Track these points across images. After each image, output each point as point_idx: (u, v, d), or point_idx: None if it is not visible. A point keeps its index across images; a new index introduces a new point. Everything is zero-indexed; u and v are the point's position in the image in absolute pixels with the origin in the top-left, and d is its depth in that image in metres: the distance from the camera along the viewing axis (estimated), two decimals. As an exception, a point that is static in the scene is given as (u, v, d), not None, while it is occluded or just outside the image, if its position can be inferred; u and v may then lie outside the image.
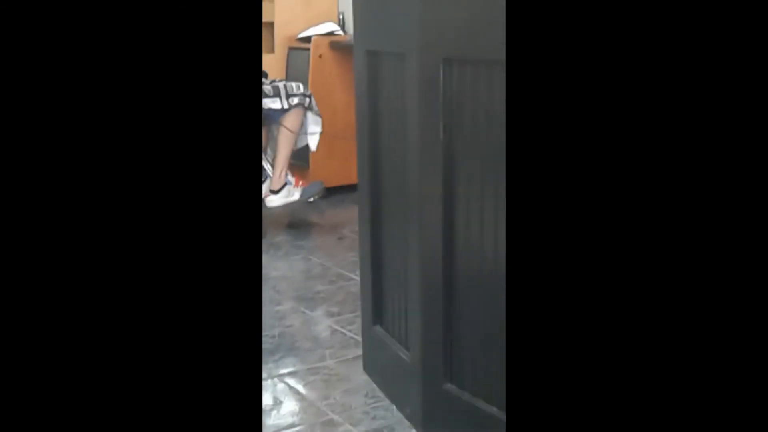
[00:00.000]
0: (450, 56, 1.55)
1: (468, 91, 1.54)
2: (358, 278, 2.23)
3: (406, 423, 1.84)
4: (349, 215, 3.44)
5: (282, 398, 2.02)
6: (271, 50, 4.31)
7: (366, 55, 1.90)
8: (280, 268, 3.01)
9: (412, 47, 1.64)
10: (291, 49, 4.16)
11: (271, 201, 3.39)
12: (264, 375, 2.13)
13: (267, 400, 2.02)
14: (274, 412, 1.99)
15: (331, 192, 3.75)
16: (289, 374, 2.14)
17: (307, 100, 3.37)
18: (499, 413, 1.57)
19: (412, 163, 1.71)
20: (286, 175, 3.40)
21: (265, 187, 3.39)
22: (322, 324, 2.48)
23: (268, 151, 3.40)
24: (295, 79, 3.64)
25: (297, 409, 1.97)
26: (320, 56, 3.92)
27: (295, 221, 3.62)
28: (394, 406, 1.92)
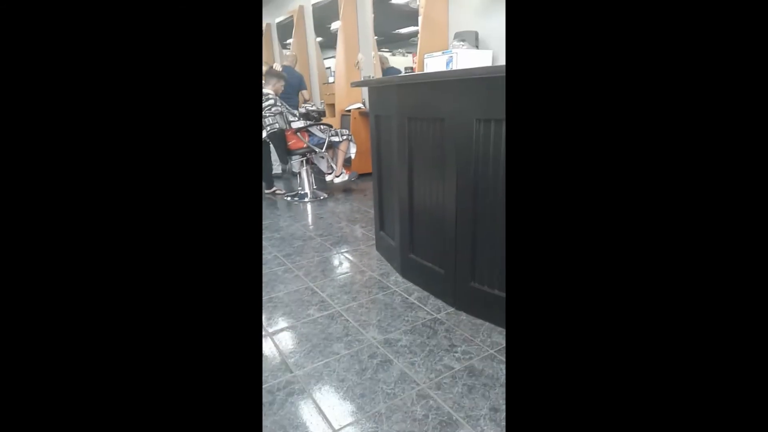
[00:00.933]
0: (410, 116, 1.57)
1: (418, 131, 1.55)
2: (373, 211, 2.26)
3: (394, 271, 1.88)
4: (369, 185, 3.45)
5: (342, 261, 2.03)
6: (333, 115, 4.27)
7: (375, 117, 1.90)
8: (339, 208, 3.02)
9: (393, 112, 1.67)
10: (342, 114, 4.11)
11: (336, 180, 3.41)
12: (334, 252, 2.17)
13: (336, 263, 2.02)
14: (340, 267, 1.97)
15: (362, 176, 3.75)
16: (345, 251, 2.16)
17: (351, 136, 3.36)
18: (434, 267, 1.61)
19: (394, 162, 1.74)
20: (342, 169, 3.41)
21: (332, 175, 3.41)
22: (358, 231, 2.51)
23: (334, 158, 3.40)
24: (344, 128, 3.63)
25: (348, 266, 1.99)
26: (355, 118, 3.88)
27: (347, 188, 3.62)
28: (389, 264, 1.96)
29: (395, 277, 1.84)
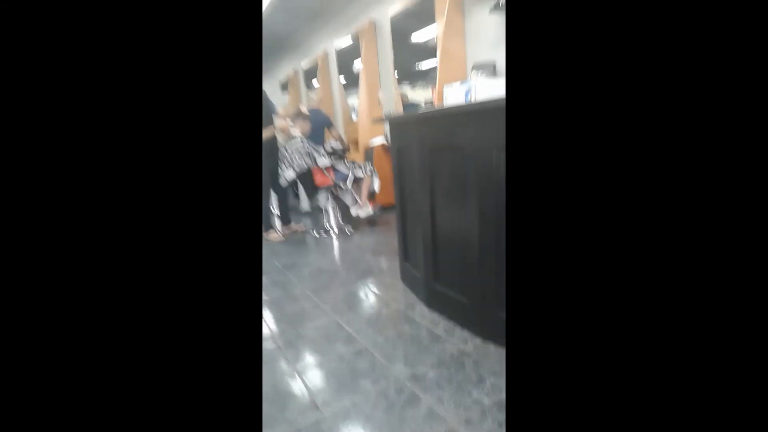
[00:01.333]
0: (431, 147, 1.58)
1: (439, 162, 1.56)
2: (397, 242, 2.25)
3: (420, 302, 1.85)
4: (393, 217, 3.46)
5: (368, 294, 2.02)
6: (357, 150, 4.37)
7: (397, 150, 1.93)
8: (365, 241, 3.02)
9: (415, 144, 1.69)
10: (365, 150, 4.20)
11: (361, 213, 3.43)
12: (360, 285, 2.16)
13: (362, 296, 2.01)
14: (366, 301, 1.95)
15: (385, 208, 3.77)
16: (370, 284, 2.15)
17: (374, 170, 3.41)
18: (459, 297, 1.57)
19: (417, 193, 1.74)
20: (367, 203, 3.44)
21: (357, 208, 3.44)
22: (383, 262, 2.48)
23: (358, 192, 3.44)
24: (368, 162, 3.70)
25: (374, 299, 1.97)
26: (378, 153, 3.94)
27: (372, 221, 3.64)
28: (414, 295, 1.93)
29: (420, 308, 1.80)
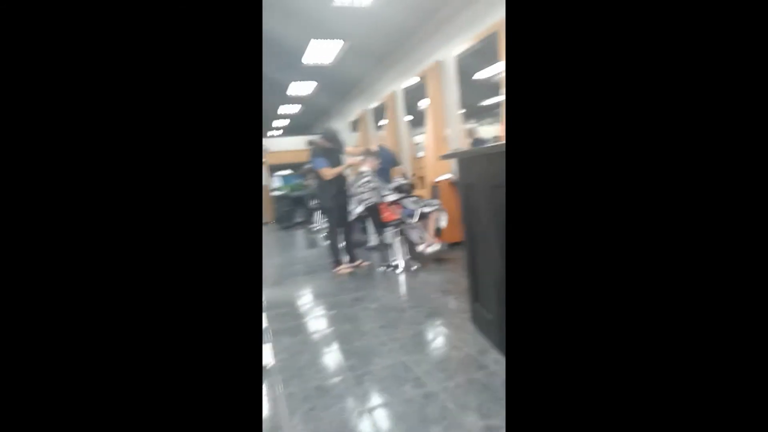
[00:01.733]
0: (493, 185, 1.57)
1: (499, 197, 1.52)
2: (466, 281, 2.18)
3: (493, 347, 1.75)
4: (459, 254, 3.39)
5: (437, 335, 1.97)
6: (423, 186, 4.40)
7: (464, 186, 1.91)
8: (431, 278, 2.97)
9: (483, 181, 1.66)
10: (432, 186, 4.22)
11: (428, 250, 3.39)
12: (427, 325, 2.11)
13: (430, 337, 1.97)
14: (434, 342, 1.90)
15: (452, 245, 3.71)
16: (439, 324, 2.09)
17: (441, 206, 3.40)
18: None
19: (487, 230, 1.69)
20: (434, 239, 3.41)
21: (424, 245, 3.41)
22: (452, 302, 2.41)
23: (425, 229, 3.42)
24: (434, 198, 3.70)
25: (443, 340, 1.91)
26: (444, 189, 3.95)
27: (438, 258, 3.59)
28: (486, 338, 1.83)
29: (494, 354, 1.70)
